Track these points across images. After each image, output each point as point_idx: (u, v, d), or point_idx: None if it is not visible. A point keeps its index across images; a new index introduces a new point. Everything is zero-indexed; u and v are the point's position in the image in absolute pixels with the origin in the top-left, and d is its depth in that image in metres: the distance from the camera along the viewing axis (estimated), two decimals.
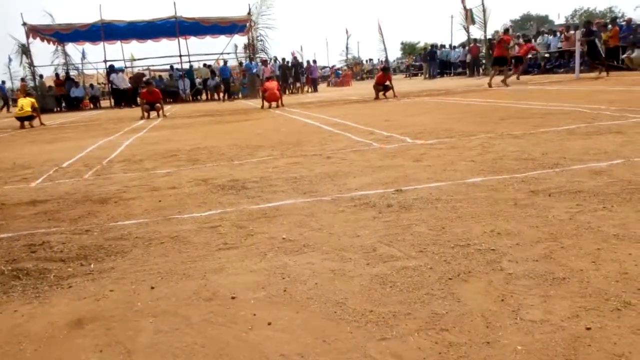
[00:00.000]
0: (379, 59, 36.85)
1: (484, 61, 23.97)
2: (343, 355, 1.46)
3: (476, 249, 2.20)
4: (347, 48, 42.97)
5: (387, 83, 13.99)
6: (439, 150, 4.74)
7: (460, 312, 1.66)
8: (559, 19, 49.71)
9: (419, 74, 30.82)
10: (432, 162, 4.15)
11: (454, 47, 28.26)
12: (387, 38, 37.69)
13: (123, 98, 21.10)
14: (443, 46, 28.93)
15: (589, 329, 1.50)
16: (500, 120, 6.70)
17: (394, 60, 33.83)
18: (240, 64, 23.42)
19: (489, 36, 25.16)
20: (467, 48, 25.31)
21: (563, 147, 4.35)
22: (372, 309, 1.72)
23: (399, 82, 22.11)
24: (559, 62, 19.81)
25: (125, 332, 1.69)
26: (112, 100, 21.90)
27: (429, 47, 29.53)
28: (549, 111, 7.21)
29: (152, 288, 2.04)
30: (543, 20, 62.76)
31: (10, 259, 2.49)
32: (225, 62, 22.53)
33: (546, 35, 22.07)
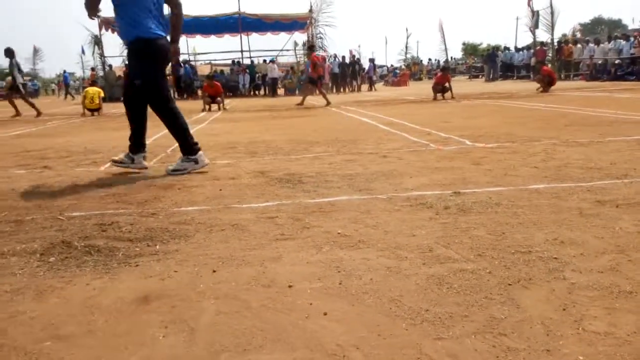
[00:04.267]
0: (437, 60, 36.23)
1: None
2: (398, 350, 1.48)
3: (538, 257, 2.14)
4: (406, 47, 42.63)
5: (446, 84, 13.74)
6: (500, 154, 4.62)
7: (520, 318, 1.63)
8: (633, 24, 46.87)
9: (480, 76, 30.02)
10: (492, 166, 4.06)
11: (519, 49, 27.32)
12: (448, 38, 36.91)
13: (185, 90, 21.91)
14: (507, 48, 28.04)
15: None
16: (564, 126, 6.45)
17: (452, 58, 33.05)
18: (272, 61, 23.69)
19: (556, 39, 24.16)
20: (532, 51, 24.42)
21: (633, 157, 4.14)
22: (428, 308, 1.72)
23: (459, 84, 21.65)
24: (631, 68, 18.73)
25: (189, 311, 1.77)
26: (176, 92, 22.75)
27: (492, 49, 28.71)
28: (617, 119, 6.86)
29: (214, 271, 2.12)
30: (615, 24, 59.51)
31: (83, 235, 2.66)
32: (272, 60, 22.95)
33: (619, 40, 20.93)
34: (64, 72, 30.84)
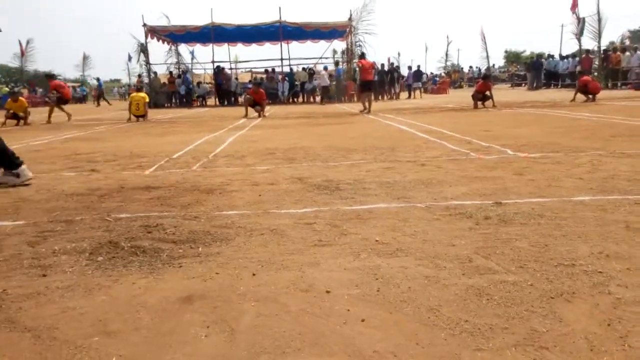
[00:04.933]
0: (477, 67, 35.65)
1: (595, 74, 22.25)
2: (436, 359, 1.47)
3: (582, 270, 2.09)
4: (446, 55, 42.05)
5: (487, 92, 13.50)
6: (543, 164, 4.51)
7: (562, 332, 1.60)
8: None
9: (523, 84, 29.33)
10: (535, 177, 3.97)
11: (564, 57, 26.55)
12: (490, 45, 36.30)
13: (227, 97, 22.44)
14: (551, 56, 27.28)
15: None
16: (611, 137, 6.23)
17: (493, 65, 32.38)
18: (325, 68, 23.81)
19: (603, 47, 23.35)
20: (577, 59, 23.68)
21: None
22: (467, 319, 1.71)
23: (501, 92, 21.22)
24: None
25: (230, 312, 1.82)
26: (217, 99, 23.29)
27: (535, 56, 28.01)
28: None
29: (254, 275, 2.17)
30: None
31: (129, 236, 2.76)
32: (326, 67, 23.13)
33: None
34: (98, 79, 32.04)
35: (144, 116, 13.55)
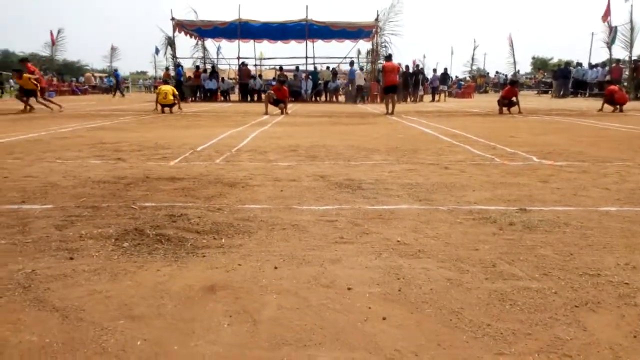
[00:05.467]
0: (505, 74, 35.19)
1: (625, 84, 21.75)
2: None
3: (607, 280, 2.06)
4: (472, 59, 41.58)
5: (513, 98, 13.32)
6: (569, 173, 4.44)
7: (586, 342, 1.58)
8: None
9: (549, 92, 28.86)
10: (560, 185, 3.91)
11: (593, 65, 26.04)
12: (517, 51, 35.81)
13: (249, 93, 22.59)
14: (580, 64, 26.79)
15: None
16: None
17: (518, 72, 31.86)
18: (361, 68, 23.76)
19: (634, 57, 22.82)
20: (607, 68, 23.20)
21: None
22: (489, 322, 1.70)
23: (527, 99, 20.94)
24: None
25: (252, 303, 1.84)
26: (240, 95, 23.45)
27: (563, 64, 27.53)
28: None
29: (275, 268, 2.19)
30: None
31: (155, 224, 2.81)
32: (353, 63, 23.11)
33: None
34: (115, 70, 32.40)
35: (172, 105, 13.63)
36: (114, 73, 31.85)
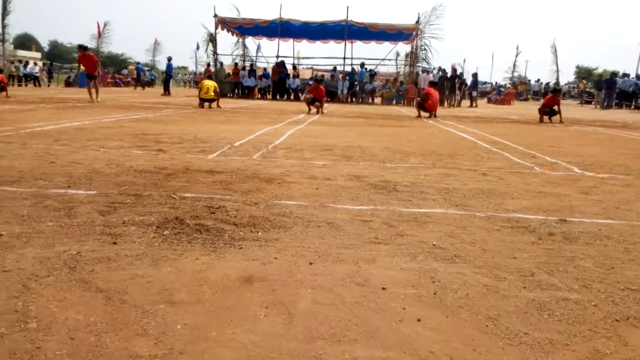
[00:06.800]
0: (547, 83, 34.31)
1: None
2: None
3: None
4: (514, 65, 40.67)
5: (555, 107, 12.98)
6: (612, 185, 4.31)
7: (627, 356, 1.54)
8: None
9: (593, 102, 27.99)
10: (602, 197, 3.80)
11: None
12: (561, 60, 34.84)
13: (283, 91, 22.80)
14: (626, 75, 25.86)
15: None
16: None
17: (558, 81, 30.95)
18: (427, 71, 23.39)
19: None
20: None
21: None
22: (526, 331, 1.67)
23: (569, 108, 20.36)
24: None
25: (287, 296, 1.87)
26: (272, 93, 23.65)
27: (609, 74, 26.63)
28: None
29: (310, 263, 2.21)
30: None
31: (194, 215, 2.88)
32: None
33: None
34: (138, 64, 32.87)
35: (212, 101, 13.89)
36: (136, 66, 32.23)
